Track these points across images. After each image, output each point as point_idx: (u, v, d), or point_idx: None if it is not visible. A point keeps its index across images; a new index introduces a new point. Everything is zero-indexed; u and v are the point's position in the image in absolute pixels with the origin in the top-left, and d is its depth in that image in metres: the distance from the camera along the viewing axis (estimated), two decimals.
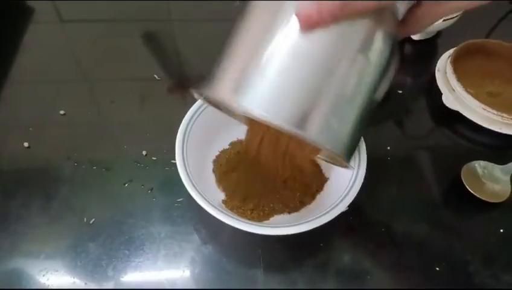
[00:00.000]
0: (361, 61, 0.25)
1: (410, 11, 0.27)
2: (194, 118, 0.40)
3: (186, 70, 0.55)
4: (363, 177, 0.36)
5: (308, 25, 0.23)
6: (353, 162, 0.37)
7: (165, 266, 0.38)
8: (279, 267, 0.38)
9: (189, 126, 0.39)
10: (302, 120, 0.24)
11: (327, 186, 0.41)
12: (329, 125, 0.25)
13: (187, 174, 0.36)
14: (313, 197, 0.41)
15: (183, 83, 0.52)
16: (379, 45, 0.26)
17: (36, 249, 0.38)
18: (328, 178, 0.42)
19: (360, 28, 0.25)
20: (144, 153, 0.45)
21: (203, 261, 0.38)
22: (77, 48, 0.57)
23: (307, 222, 0.33)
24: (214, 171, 0.42)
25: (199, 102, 0.40)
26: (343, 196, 0.35)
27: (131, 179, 0.43)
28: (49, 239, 0.39)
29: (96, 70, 0.54)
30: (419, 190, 0.43)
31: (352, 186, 0.36)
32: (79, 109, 0.49)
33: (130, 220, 0.40)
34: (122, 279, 0.37)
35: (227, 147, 0.44)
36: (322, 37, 0.24)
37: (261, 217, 0.39)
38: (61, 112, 0.49)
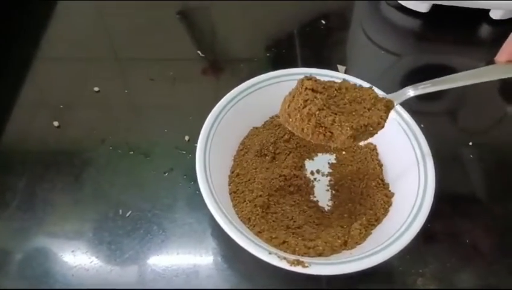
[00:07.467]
0: None
1: None
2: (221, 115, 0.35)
3: (222, 52, 0.49)
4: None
5: None
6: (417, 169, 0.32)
7: (213, 272, 0.32)
8: None
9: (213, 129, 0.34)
10: None
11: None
12: None
13: (210, 191, 0.31)
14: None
15: (217, 66, 0.47)
16: None
17: (63, 244, 0.33)
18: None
19: None
20: (187, 138, 0.40)
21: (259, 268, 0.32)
22: (110, 23, 0.52)
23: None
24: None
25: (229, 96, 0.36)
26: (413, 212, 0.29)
27: (172, 168, 0.38)
28: (78, 232, 0.34)
29: (132, 46, 0.49)
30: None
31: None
32: (114, 87, 0.44)
33: (170, 215, 0.35)
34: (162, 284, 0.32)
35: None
36: None
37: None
38: (95, 89, 0.43)
